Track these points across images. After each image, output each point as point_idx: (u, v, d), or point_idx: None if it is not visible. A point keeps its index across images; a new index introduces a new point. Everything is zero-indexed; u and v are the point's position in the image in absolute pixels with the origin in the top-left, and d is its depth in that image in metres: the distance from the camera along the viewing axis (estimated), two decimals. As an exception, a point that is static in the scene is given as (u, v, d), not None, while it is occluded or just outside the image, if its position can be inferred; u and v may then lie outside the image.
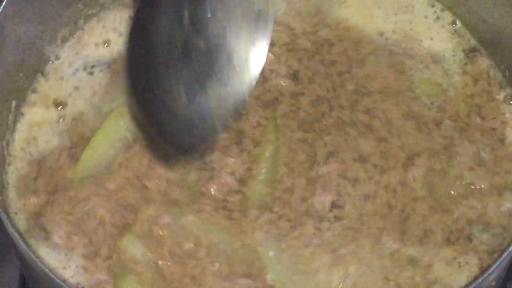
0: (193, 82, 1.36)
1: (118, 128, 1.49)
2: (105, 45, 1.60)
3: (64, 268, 1.42)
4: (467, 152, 1.49)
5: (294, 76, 1.55)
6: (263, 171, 1.45)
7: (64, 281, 1.37)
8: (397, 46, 1.59)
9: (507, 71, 1.57)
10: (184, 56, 1.36)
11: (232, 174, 1.46)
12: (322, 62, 1.56)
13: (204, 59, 1.35)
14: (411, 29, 1.61)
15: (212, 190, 1.45)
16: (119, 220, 1.44)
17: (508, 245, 1.37)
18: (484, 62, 1.59)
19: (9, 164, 1.51)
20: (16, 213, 1.47)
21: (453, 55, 1.60)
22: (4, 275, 1.69)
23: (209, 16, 1.34)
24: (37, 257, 1.37)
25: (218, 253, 1.41)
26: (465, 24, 1.62)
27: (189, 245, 1.42)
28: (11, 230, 1.36)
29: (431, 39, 1.60)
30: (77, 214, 1.45)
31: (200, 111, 1.36)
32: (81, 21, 1.62)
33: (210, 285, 1.39)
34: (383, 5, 1.63)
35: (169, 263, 1.41)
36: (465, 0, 1.61)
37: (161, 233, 1.43)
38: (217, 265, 1.40)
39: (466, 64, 1.59)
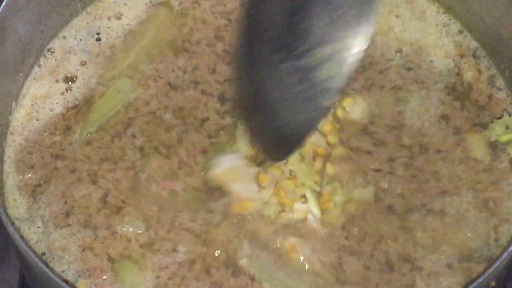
0: (296, 69, 1.31)
1: (116, 103, 1.54)
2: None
3: (64, 250, 1.43)
4: None
5: None
6: None
7: (64, 281, 1.38)
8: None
9: (507, 72, 1.57)
10: (285, 43, 1.33)
11: None
12: None
13: (306, 44, 1.29)
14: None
15: None
16: (116, 196, 1.46)
17: (508, 245, 1.37)
18: (483, 64, 1.60)
19: (10, 140, 1.52)
20: (15, 199, 1.47)
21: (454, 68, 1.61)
22: (4, 275, 1.69)
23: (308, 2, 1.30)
24: (37, 257, 1.37)
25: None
26: (465, 24, 1.63)
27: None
28: (11, 230, 1.37)
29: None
30: (73, 191, 1.47)
31: (303, 96, 1.31)
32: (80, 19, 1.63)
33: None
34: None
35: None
36: (465, 0, 1.61)
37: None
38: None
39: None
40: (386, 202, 1.46)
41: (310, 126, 1.33)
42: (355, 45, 1.27)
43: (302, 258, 1.42)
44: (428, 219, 1.45)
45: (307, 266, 1.42)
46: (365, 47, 1.27)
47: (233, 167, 1.46)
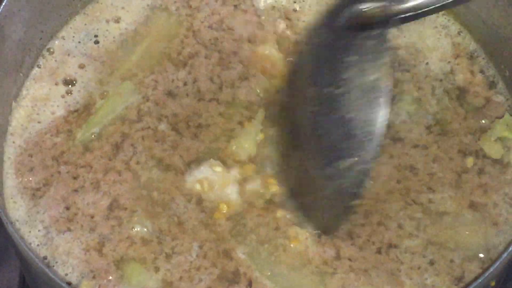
0: (323, 156, 1.40)
1: (117, 106, 1.54)
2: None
3: (68, 254, 1.43)
4: None
5: None
6: None
7: (64, 281, 1.38)
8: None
9: (507, 72, 1.57)
10: (313, 133, 1.42)
11: None
12: None
13: (332, 132, 1.38)
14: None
15: None
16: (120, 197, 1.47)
17: (508, 245, 1.37)
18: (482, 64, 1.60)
19: (9, 141, 1.52)
20: (15, 202, 1.47)
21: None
22: (4, 275, 1.69)
23: (335, 91, 1.38)
24: (37, 257, 1.37)
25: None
26: (464, 24, 1.63)
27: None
28: (11, 230, 1.36)
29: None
30: (75, 198, 1.46)
31: (330, 183, 1.39)
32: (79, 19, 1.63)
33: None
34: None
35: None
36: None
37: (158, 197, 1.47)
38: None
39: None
40: (383, 187, 1.48)
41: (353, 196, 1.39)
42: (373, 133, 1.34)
43: (304, 246, 1.43)
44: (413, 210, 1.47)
45: (308, 256, 1.42)
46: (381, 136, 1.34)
47: (206, 177, 1.47)
